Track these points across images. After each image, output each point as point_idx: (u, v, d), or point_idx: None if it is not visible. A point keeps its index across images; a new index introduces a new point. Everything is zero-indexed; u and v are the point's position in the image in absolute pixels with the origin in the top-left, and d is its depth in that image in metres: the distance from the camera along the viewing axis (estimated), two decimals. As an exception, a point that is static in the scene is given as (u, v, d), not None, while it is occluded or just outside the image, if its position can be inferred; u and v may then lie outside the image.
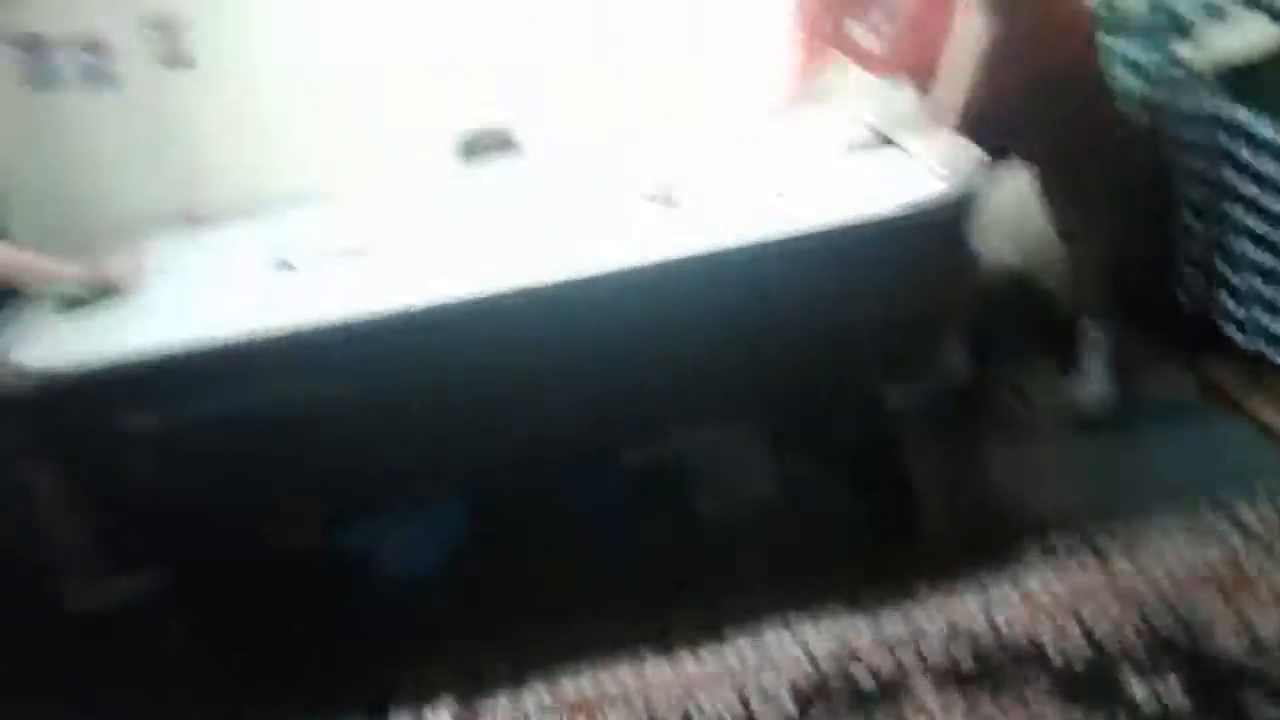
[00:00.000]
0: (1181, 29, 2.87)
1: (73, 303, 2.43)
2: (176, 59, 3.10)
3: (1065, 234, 2.77)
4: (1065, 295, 2.90)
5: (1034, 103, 2.46)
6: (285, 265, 2.53)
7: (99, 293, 2.45)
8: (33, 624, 2.44)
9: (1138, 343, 2.88)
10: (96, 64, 3.09)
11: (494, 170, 3.07)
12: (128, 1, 3.03)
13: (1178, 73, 2.79)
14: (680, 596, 2.37)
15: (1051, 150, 2.59)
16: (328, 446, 2.16)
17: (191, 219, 3.07)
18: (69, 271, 2.46)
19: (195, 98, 3.13)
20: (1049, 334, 2.94)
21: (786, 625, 2.26)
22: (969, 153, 2.28)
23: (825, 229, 2.15)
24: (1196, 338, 2.87)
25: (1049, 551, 2.35)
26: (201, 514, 2.21)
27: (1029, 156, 2.59)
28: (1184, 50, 2.80)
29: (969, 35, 2.35)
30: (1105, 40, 2.99)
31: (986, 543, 2.38)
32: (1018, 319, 3.00)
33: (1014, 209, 2.77)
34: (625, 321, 2.14)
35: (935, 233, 2.21)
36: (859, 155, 2.55)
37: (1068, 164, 2.61)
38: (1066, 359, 2.86)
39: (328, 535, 2.39)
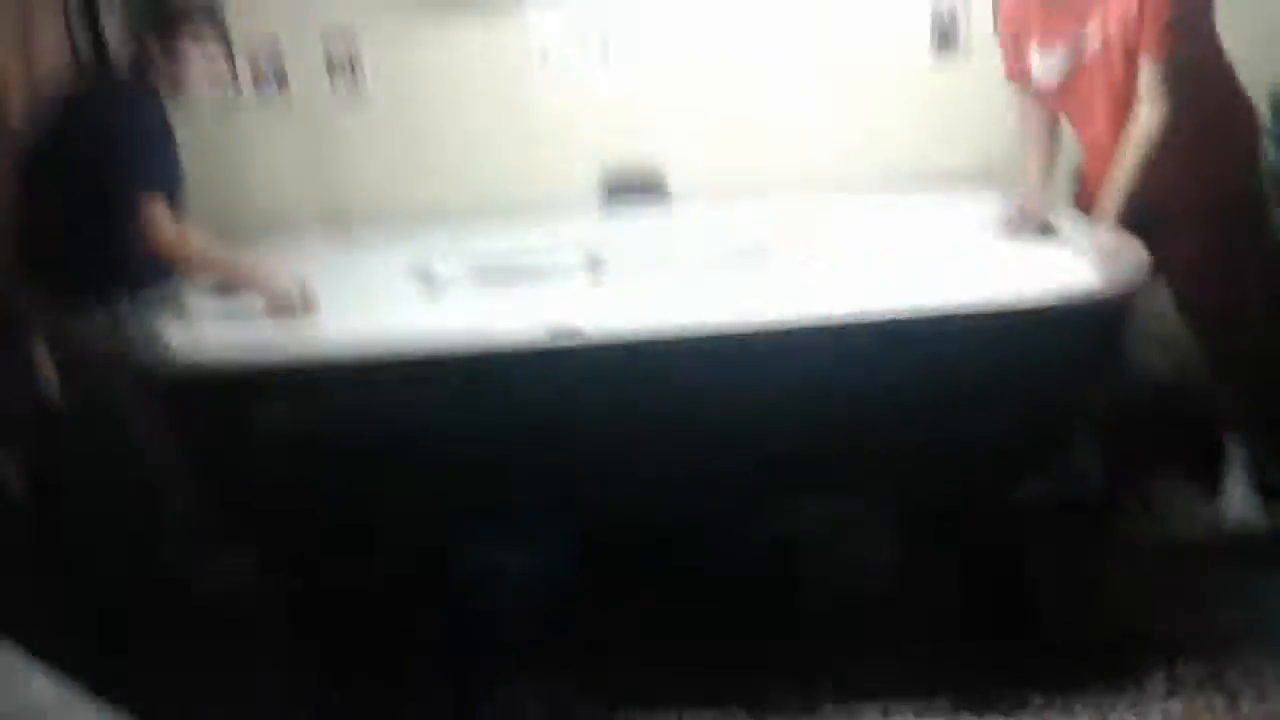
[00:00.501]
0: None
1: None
2: (345, 75, 3.21)
3: (1210, 349, 2.63)
4: (1211, 410, 2.76)
5: (1191, 206, 2.38)
6: (429, 280, 2.58)
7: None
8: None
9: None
10: (272, 72, 3.21)
11: (640, 211, 3.09)
12: (309, 16, 3.17)
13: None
14: (779, 667, 2.30)
15: (1202, 257, 2.47)
16: (455, 468, 2.16)
17: (342, 226, 3.15)
18: (261, 283, 2.52)
19: (356, 113, 3.25)
20: (1192, 448, 2.80)
21: (885, 715, 2.18)
22: (1129, 248, 2.20)
23: (974, 308, 2.08)
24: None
25: (1175, 682, 2.21)
26: (322, 521, 2.23)
27: (1174, 265, 2.47)
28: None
29: (1143, 122, 2.28)
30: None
31: (1109, 662, 2.26)
32: (1160, 429, 2.87)
33: (1165, 315, 2.65)
34: (758, 381, 2.10)
35: (1086, 326, 2.12)
36: (1017, 236, 2.50)
37: (1214, 275, 2.49)
38: (1209, 476, 2.72)
39: (441, 557, 2.38)
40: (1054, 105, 2.55)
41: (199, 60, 2.56)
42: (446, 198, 3.25)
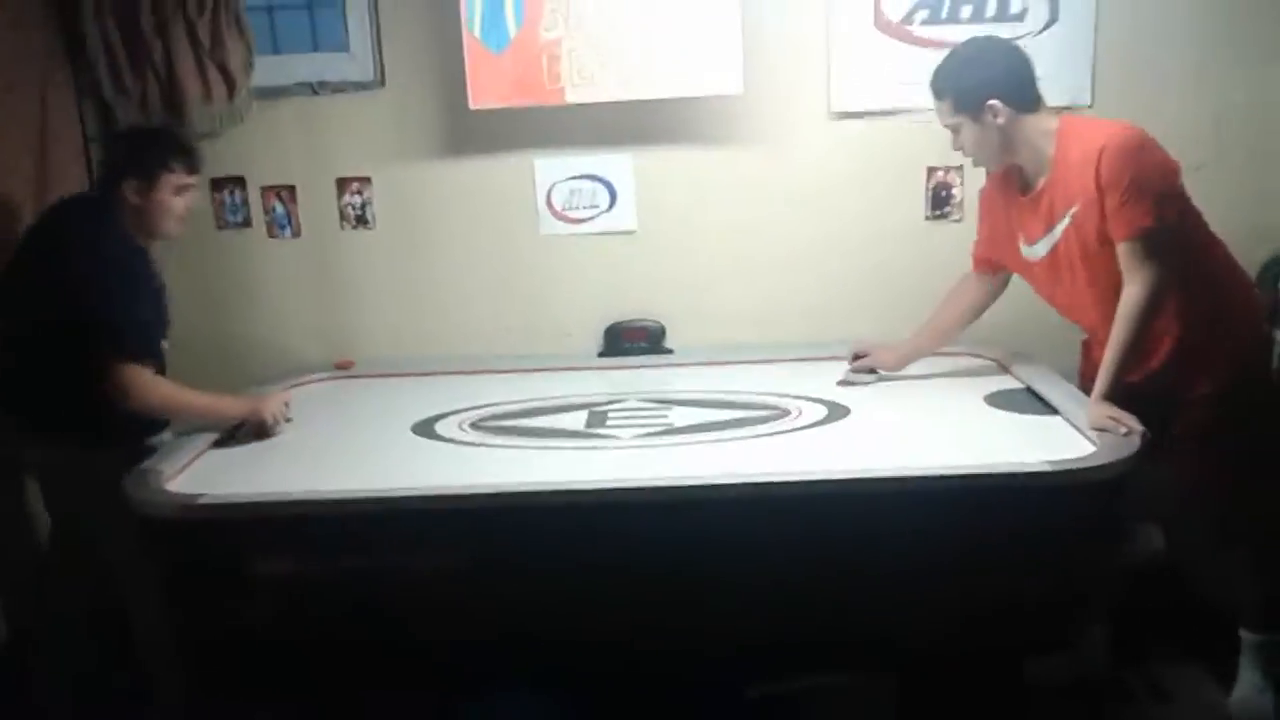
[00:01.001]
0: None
1: (228, 437, 2.52)
2: (356, 218, 3.28)
3: (1213, 538, 2.61)
4: (1221, 596, 2.71)
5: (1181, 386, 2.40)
6: (428, 431, 2.58)
7: (250, 433, 2.54)
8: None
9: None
10: (283, 212, 3.28)
11: (638, 363, 3.13)
12: (323, 161, 3.25)
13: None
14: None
15: (1208, 437, 2.48)
16: (445, 619, 2.11)
17: (342, 367, 3.17)
18: (232, 411, 2.56)
19: (365, 255, 3.30)
20: (1202, 633, 2.75)
21: None
22: (1125, 421, 2.22)
23: (968, 474, 2.10)
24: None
25: None
26: (312, 668, 2.18)
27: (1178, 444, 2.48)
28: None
29: (1126, 299, 2.32)
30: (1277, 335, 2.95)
31: None
32: (1170, 613, 2.82)
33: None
34: (761, 539, 2.08)
35: (1080, 497, 2.11)
36: (1012, 408, 2.52)
37: (1210, 472, 2.49)
38: (1219, 662, 2.66)
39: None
40: (1044, 290, 2.61)
41: (176, 207, 2.54)
42: (452, 345, 3.28)
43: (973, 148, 2.47)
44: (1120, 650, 2.71)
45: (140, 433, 2.49)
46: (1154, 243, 2.29)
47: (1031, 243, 2.52)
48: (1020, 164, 2.48)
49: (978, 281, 2.75)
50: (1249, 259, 2.70)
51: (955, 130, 2.46)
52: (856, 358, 2.83)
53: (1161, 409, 2.33)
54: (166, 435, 2.56)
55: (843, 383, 2.80)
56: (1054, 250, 2.46)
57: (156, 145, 2.56)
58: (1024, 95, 2.40)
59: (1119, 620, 2.67)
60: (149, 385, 2.40)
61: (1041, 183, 2.43)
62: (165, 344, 2.55)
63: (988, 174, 2.66)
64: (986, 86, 2.38)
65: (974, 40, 2.52)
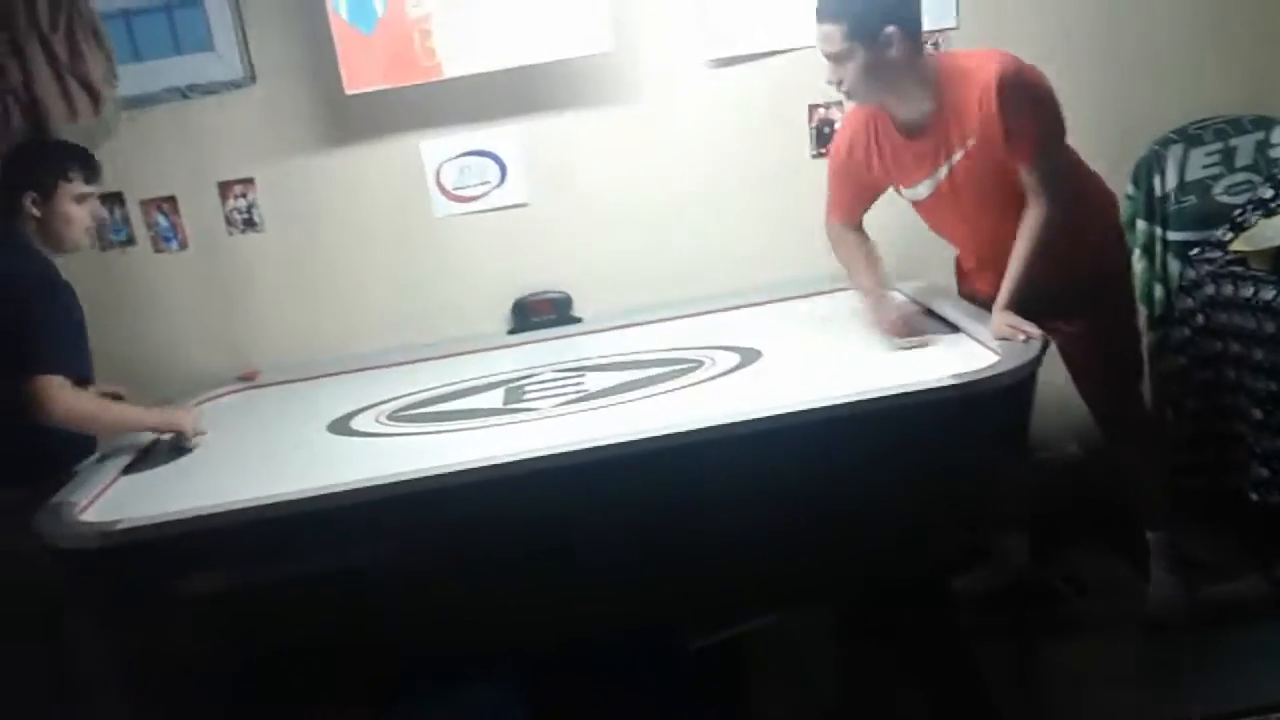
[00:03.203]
0: (1233, 223, 2.92)
1: (140, 460, 2.48)
2: (244, 222, 3.20)
3: (1115, 443, 2.72)
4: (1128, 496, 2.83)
5: (1068, 296, 2.49)
6: (344, 429, 2.55)
7: (166, 451, 2.49)
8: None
9: (1208, 542, 2.79)
10: (167, 224, 3.19)
11: (550, 335, 3.13)
12: (202, 167, 3.16)
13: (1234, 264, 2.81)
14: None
15: (1085, 347, 2.59)
16: (381, 615, 2.10)
17: (247, 378, 3.11)
18: (146, 421, 2.54)
19: (257, 259, 3.23)
20: (1114, 529, 2.86)
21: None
22: (1025, 329, 2.29)
23: (874, 398, 2.11)
24: (1270, 537, 2.79)
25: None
26: (251, 682, 2.14)
27: (1064, 341, 2.57)
28: (1238, 242, 2.84)
29: (1032, 218, 2.39)
30: (1157, 230, 3.07)
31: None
32: (1084, 513, 2.93)
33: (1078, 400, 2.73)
34: (688, 490, 2.10)
35: (986, 408, 2.17)
36: (914, 330, 2.56)
37: (1097, 365, 2.62)
38: (1133, 556, 2.78)
39: (379, 709, 2.29)
40: (924, 216, 2.66)
41: (79, 216, 2.52)
42: (358, 341, 3.24)
43: (856, 79, 2.36)
44: (1040, 552, 2.82)
45: (64, 466, 2.42)
46: (1055, 162, 2.37)
47: (912, 184, 2.54)
48: (897, 103, 2.45)
49: (856, 233, 2.71)
50: (1112, 163, 2.80)
51: (839, 59, 2.35)
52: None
53: (1044, 310, 2.39)
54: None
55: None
56: (938, 187, 2.49)
57: (51, 156, 2.56)
58: (917, 25, 2.37)
59: (1039, 524, 2.78)
60: (58, 395, 2.32)
61: (927, 122, 2.42)
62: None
63: (849, 119, 2.65)
64: (885, 13, 2.30)
65: None
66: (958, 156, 2.42)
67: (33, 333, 2.34)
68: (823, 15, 2.35)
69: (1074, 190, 2.45)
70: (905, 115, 2.46)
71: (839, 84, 2.40)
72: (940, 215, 2.59)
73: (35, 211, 2.47)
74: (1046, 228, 2.37)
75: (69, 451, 2.47)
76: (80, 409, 2.38)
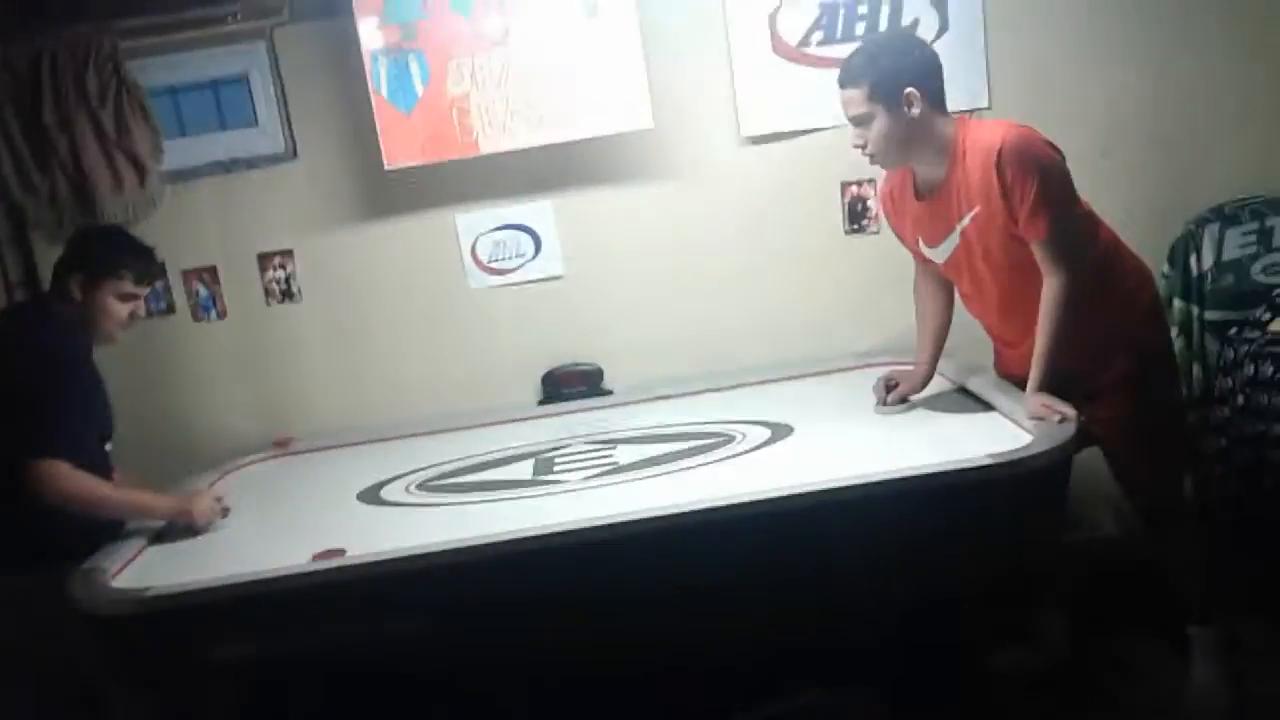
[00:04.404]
0: (1272, 304, 2.89)
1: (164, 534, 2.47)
2: (282, 292, 3.26)
3: (1154, 531, 2.64)
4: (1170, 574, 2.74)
5: (1107, 378, 2.44)
6: (374, 498, 2.56)
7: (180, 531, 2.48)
8: None
9: (1263, 632, 2.71)
10: (207, 294, 3.25)
11: (578, 406, 3.13)
12: (243, 238, 3.23)
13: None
14: None
15: (1125, 431, 2.53)
16: (412, 681, 2.08)
17: (281, 445, 3.13)
18: (156, 509, 2.49)
19: (294, 329, 3.27)
20: (1159, 611, 2.77)
21: None
22: (1059, 409, 2.26)
23: (911, 477, 2.10)
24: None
25: None
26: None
27: (1099, 425, 2.52)
28: (1277, 322, 2.80)
29: (1048, 292, 2.35)
30: (1194, 309, 3.04)
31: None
32: (1126, 594, 2.85)
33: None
34: (720, 566, 2.06)
35: (1022, 488, 2.14)
36: (949, 409, 2.54)
37: (1138, 451, 2.53)
38: (1178, 638, 2.69)
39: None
40: (953, 280, 2.64)
41: (118, 313, 2.48)
42: (392, 410, 3.25)
43: (879, 141, 2.37)
44: (1082, 636, 2.74)
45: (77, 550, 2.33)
46: (1068, 234, 2.33)
47: (933, 245, 2.54)
48: (918, 166, 2.47)
49: (925, 274, 2.69)
50: (1147, 240, 2.75)
51: (863, 122, 2.36)
52: (888, 390, 2.69)
53: (1081, 395, 2.36)
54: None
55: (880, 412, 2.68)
56: (954, 253, 2.49)
57: (113, 247, 2.51)
58: (937, 89, 2.38)
59: (1079, 606, 2.70)
60: (64, 478, 2.27)
61: (940, 186, 2.43)
62: (109, 445, 2.50)
63: (885, 178, 2.66)
64: (904, 74, 2.32)
65: (887, 31, 2.43)
66: (966, 221, 2.41)
67: (34, 412, 2.30)
68: (845, 80, 2.38)
69: (1106, 266, 2.43)
70: (924, 176, 2.48)
71: (863, 147, 2.42)
72: (961, 280, 2.57)
73: (77, 294, 2.44)
74: (1067, 302, 2.32)
75: (73, 537, 2.34)
76: (82, 492, 2.31)
